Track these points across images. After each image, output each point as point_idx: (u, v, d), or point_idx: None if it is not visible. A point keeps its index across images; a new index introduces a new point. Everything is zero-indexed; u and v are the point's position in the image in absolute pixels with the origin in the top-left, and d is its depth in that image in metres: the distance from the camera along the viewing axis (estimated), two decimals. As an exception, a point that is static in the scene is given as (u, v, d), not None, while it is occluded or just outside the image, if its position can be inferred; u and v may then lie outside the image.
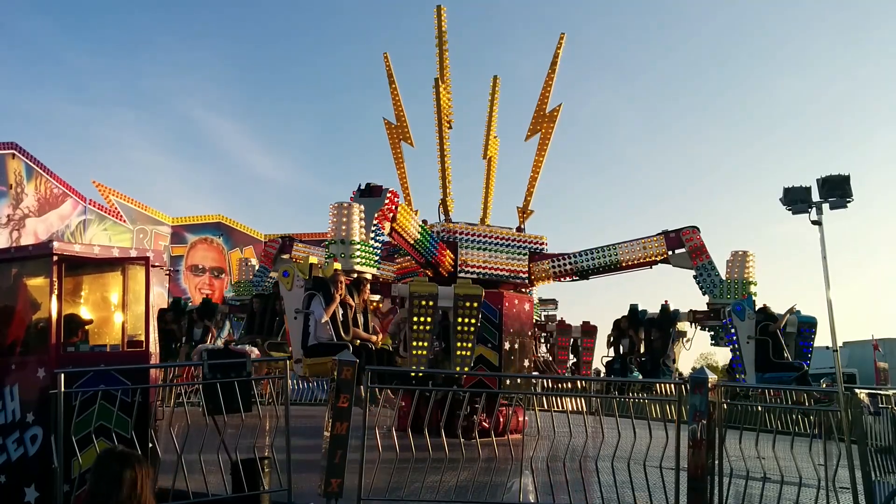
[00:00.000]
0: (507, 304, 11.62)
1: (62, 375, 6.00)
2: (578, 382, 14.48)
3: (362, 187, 10.10)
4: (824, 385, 14.22)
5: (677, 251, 12.31)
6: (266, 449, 6.89)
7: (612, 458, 6.45)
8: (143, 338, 6.68)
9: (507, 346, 11.47)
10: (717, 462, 6.29)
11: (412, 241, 11.00)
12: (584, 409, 14.12)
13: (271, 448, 6.77)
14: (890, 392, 7.92)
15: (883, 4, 65.58)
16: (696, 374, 6.49)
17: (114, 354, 6.56)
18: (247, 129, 69.28)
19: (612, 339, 14.38)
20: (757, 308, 11.71)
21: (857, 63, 68.02)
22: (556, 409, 13.63)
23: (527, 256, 12.66)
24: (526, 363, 11.90)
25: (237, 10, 67.79)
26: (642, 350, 13.76)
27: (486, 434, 8.98)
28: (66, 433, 5.95)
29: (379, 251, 10.17)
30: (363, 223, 9.65)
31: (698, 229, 12.32)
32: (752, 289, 12.20)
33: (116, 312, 6.80)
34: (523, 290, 13.11)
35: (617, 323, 14.23)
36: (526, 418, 11.27)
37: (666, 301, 14.26)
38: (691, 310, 12.80)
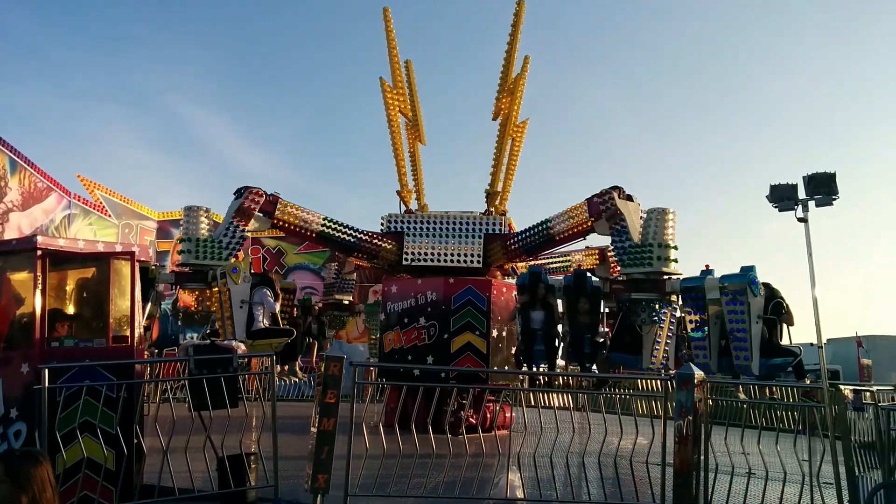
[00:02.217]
0: (494, 293, 11.66)
1: (46, 371, 5.95)
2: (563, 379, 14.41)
3: (240, 188, 11.65)
4: (808, 381, 14.31)
5: (603, 218, 10.97)
6: (253, 445, 6.86)
7: (598, 453, 6.48)
8: (128, 333, 6.63)
9: (494, 333, 11.51)
10: (702, 458, 6.33)
11: (314, 235, 12.03)
12: (571, 404, 14.07)
13: (258, 444, 6.74)
14: (873, 388, 8.00)
15: (868, 4, 66.11)
16: (683, 371, 6.52)
17: (99, 350, 6.50)
18: (234, 125, 68.85)
19: (518, 311, 11.48)
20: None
21: (844, 61, 68.57)
22: (542, 404, 13.50)
23: (482, 239, 12.41)
24: (513, 350, 11.89)
25: (225, 5, 67.34)
26: (565, 326, 11.33)
27: (473, 430, 9.00)
28: (50, 429, 5.90)
29: (233, 246, 11.42)
30: (209, 223, 11.34)
31: (619, 190, 10.90)
32: (672, 253, 10.64)
33: (101, 308, 6.74)
34: (504, 275, 13.07)
35: (529, 289, 11.40)
36: (513, 414, 11.29)
37: (579, 265, 12.85)
38: (608, 278, 11.65)
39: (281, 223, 11.83)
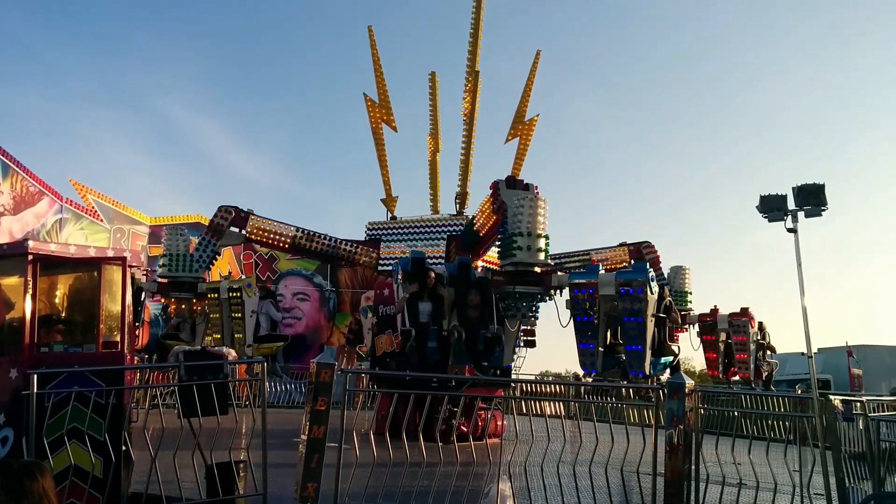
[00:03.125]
0: None
1: (35, 376, 5.90)
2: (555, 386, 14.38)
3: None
4: (799, 391, 14.37)
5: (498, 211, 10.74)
6: (242, 452, 6.82)
7: (589, 462, 6.46)
8: (118, 339, 6.59)
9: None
10: (693, 467, 6.33)
11: (287, 246, 13.04)
12: (563, 413, 14.03)
13: (247, 451, 6.70)
14: (863, 399, 8.02)
15: (858, 14, 66.76)
16: (673, 379, 6.52)
17: (89, 355, 6.45)
18: (226, 129, 68.96)
19: (408, 300, 10.16)
20: None
21: (833, 72, 69.16)
22: (534, 412, 13.35)
23: (445, 240, 12.50)
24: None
25: (217, 9, 67.42)
26: (453, 320, 10.25)
27: (465, 438, 8.98)
28: (37, 435, 5.86)
29: (204, 260, 12.82)
30: (186, 241, 12.87)
31: (510, 179, 10.84)
32: (541, 243, 10.44)
33: (92, 313, 6.69)
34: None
35: (417, 278, 10.24)
36: (504, 422, 11.27)
37: (462, 253, 12.39)
38: (487, 266, 11.24)
39: (254, 237, 12.90)
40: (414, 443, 6.34)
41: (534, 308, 10.51)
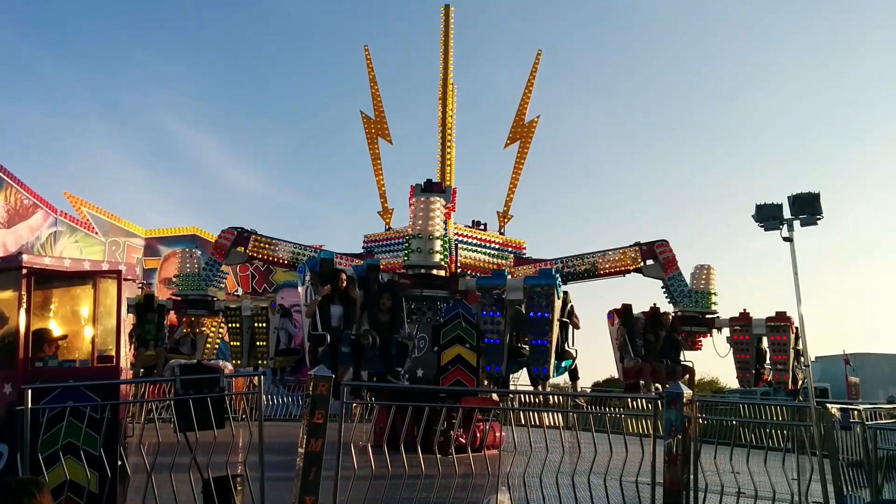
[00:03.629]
0: None
1: (29, 391, 5.87)
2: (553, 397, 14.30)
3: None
4: (798, 399, 14.34)
5: None
6: (239, 466, 6.78)
7: (588, 473, 6.44)
8: (113, 353, 6.56)
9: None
10: (692, 477, 6.31)
11: (286, 262, 13.65)
12: (562, 423, 13.94)
13: (244, 465, 6.66)
14: (861, 407, 8.01)
15: (854, 19, 67.33)
16: (672, 389, 6.51)
17: (83, 370, 6.42)
18: (222, 143, 69.01)
19: (320, 303, 9.52)
20: None
21: (828, 80, 69.70)
22: (532, 423, 13.34)
23: None
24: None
25: (213, 24, 67.68)
26: (363, 324, 9.68)
27: (463, 450, 8.94)
28: (32, 451, 5.82)
29: (210, 279, 13.69)
30: (197, 262, 13.90)
31: (427, 183, 11.61)
32: (437, 245, 10.52)
33: (87, 327, 6.67)
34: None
35: (329, 279, 9.58)
36: (503, 433, 11.23)
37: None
38: (397, 272, 10.84)
39: (255, 255, 13.49)
40: (412, 455, 6.31)
41: (439, 312, 10.67)
